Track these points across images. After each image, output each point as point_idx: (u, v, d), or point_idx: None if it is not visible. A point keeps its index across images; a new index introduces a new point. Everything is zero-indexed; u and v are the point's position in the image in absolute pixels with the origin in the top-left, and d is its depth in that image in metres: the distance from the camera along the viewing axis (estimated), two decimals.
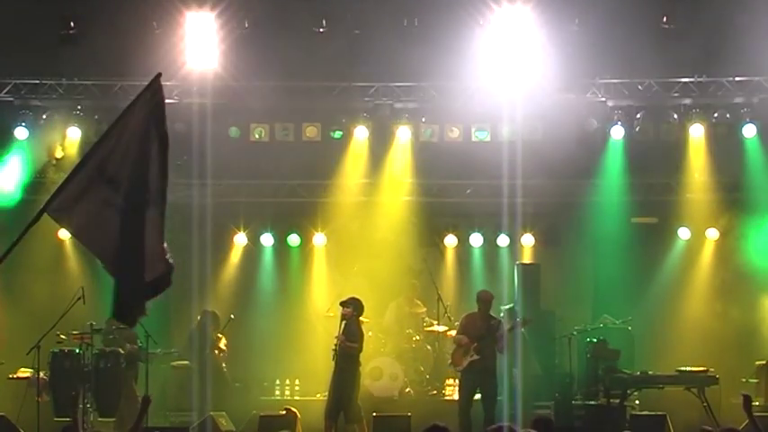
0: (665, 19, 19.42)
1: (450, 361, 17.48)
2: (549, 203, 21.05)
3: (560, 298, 20.56)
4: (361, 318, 16.77)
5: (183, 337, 19.52)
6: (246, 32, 19.12)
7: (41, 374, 17.73)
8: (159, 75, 7.60)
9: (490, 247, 21.35)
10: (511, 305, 18.74)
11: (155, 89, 7.49)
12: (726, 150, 20.23)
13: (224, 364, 19.14)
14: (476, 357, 16.73)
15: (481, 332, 16.78)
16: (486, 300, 17.05)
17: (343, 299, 16.80)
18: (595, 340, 18.56)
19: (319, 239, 21.45)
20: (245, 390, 19.37)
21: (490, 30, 18.99)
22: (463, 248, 21.59)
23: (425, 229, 21.53)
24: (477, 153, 20.28)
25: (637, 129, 20.33)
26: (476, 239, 21.46)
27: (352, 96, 20.24)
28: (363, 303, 16.79)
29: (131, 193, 7.26)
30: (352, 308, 16.59)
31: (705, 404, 16.63)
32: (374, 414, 17.34)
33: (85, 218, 7.27)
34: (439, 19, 19.10)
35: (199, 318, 19.15)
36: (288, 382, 20.05)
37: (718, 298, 20.64)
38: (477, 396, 16.86)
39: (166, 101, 7.52)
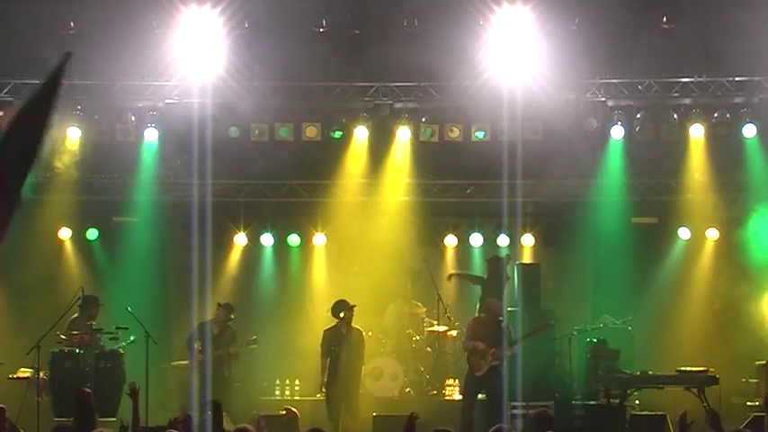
0: (665, 19, 19.41)
1: (468, 367, 17.47)
2: (549, 203, 21.05)
3: (560, 298, 20.53)
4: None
5: (183, 336, 19.42)
6: (246, 32, 19.10)
7: (41, 374, 17.71)
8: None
9: (490, 247, 21.31)
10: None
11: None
12: (726, 150, 20.23)
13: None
14: (496, 363, 16.75)
15: (496, 336, 16.81)
16: (496, 312, 17.15)
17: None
18: (595, 340, 18.57)
19: (319, 239, 21.43)
20: (245, 390, 19.34)
21: (490, 30, 18.97)
22: (463, 248, 21.56)
23: (425, 229, 21.52)
24: (477, 153, 20.26)
25: (637, 129, 20.30)
26: (476, 239, 21.45)
27: (352, 96, 20.23)
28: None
29: None
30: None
31: (705, 404, 16.61)
32: (374, 414, 17.33)
33: None
34: (439, 19, 19.08)
35: (217, 312, 18.95)
36: (288, 382, 20.03)
37: (719, 298, 20.63)
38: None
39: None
